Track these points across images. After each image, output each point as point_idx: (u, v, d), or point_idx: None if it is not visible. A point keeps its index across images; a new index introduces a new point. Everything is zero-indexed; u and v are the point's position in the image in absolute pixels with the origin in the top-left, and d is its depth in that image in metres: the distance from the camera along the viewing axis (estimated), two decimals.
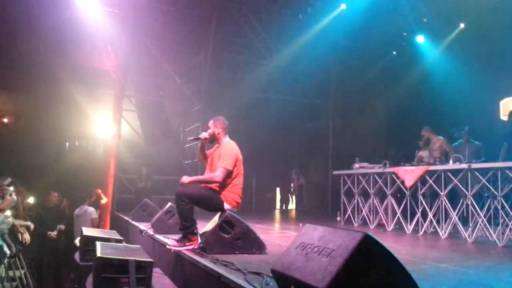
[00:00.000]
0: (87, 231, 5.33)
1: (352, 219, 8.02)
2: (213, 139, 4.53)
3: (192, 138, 4.77)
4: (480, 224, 5.79)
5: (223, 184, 4.30)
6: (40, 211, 8.61)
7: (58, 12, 10.60)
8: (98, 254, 3.66)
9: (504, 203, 5.45)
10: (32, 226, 6.97)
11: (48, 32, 11.36)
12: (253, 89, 13.53)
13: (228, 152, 4.33)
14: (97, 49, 11.87)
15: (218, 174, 4.23)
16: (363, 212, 7.74)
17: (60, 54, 11.74)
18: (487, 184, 5.65)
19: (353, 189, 7.96)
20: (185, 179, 4.29)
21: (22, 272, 6.72)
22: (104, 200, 10.22)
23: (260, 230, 5.62)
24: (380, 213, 7.39)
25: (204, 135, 4.52)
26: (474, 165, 5.86)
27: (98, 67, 12.35)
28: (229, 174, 4.28)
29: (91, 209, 8.84)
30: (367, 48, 13.22)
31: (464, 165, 5.95)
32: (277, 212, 13.22)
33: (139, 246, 4.85)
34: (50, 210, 8.78)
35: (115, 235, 5.50)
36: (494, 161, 5.80)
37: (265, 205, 13.89)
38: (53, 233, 8.33)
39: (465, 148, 7.26)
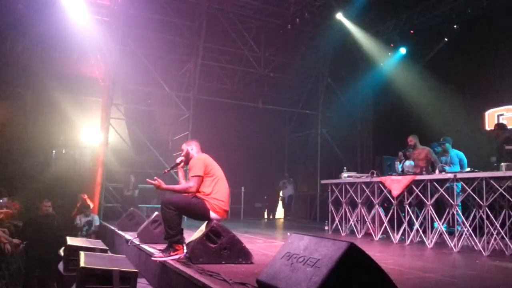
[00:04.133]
0: (71, 241, 5.24)
1: (340, 228, 8.02)
2: (188, 159, 4.58)
3: (171, 166, 4.72)
4: (466, 234, 5.84)
5: (205, 192, 4.31)
6: (27, 220, 8.46)
7: (47, 20, 10.56)
8: (82, 264, 3.60)
9: (489, 213, 5.50)
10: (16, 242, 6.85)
11: (36, 40, 11.29)
12: (243, 98, 13.59)
13: (193, 162, 4.45)
14: (86, 57, 11.84)
15: (191, 185, 4.31)
16: (351, 222, 7.75)
17: (48, 61, 11.67)
18: (472, 193, 5.71)
19: (341, 199, 7.98)
20: (160, 185, 4.32)
21: (4, 282, 6.59)
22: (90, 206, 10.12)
23: (247, 239, 5.60)
24: (368, 223, 7.42)
25: (179, 159, 4.63)
26: (459, 175, 5.93)
27: (86, 75, 12.31)
28: (201, 180, 4.32)
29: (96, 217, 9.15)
30: (356, 58, 13.40)
31: (450, 175, 6.01)
32: (265, 222, 13.18)
33: (123, 256, 4.79)
34: (41, 219, 8.62)
35: (100, 244, 5.43)
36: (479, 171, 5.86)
37: (253, 214, 13.84)
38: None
39: (445, 157, 7.39)
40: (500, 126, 7.16)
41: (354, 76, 13.71)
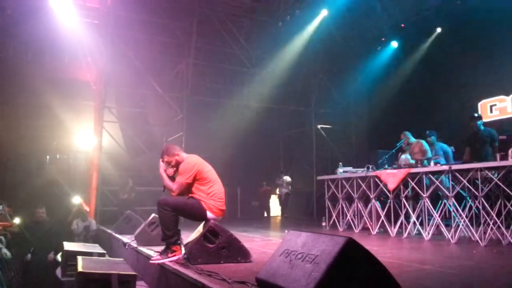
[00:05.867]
0: (68, 246, 5.21)
1: (337, 224, 8.04)
2: (178, 165, 4.48)
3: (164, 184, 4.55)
4: (462, 225, 5.87)
5: (202, 195, 4.28)
6: (24, 227, 8.40)
7: (37, 24, 10.47)
8: (80, 268, 3.58)
9: (485, 203, 5.53)
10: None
11: (27, 44, 11.19)
12: (235, 97, 13.57)
13: (184, 167, 4.36)
14: (77, 61, 11.74)
15: (174, 188, 4.31)
16: (348, 217, 7.77)
17: (39, 65, 11.55)
18: (467, 184, 5.74)
19: (338, 194, 8.00)
20: (160, 169, 4.42)
21: None
22: (87, 211, 10.07)
23: (245, 238, 5.60)
24: (365, 217, 7.43)
25: (170, 172, 4.50)
26: (454, 166, 5.95)
27: (78, 78, 12.18)
28: (185, 187, 4.29)
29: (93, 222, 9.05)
30: (347, 54, 13.43)
31: (445, 167, 6.03)
32: (262, 220, 13.17)
33: (122, 259, 4.76)
34: (36, 225, 8.57)
35: (97, 248, 5.41)
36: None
37: (250, 213, 13.82)
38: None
39: (431, 150, 7.46)
40: (477, 118, 7.12)
41: (346, 72, 13.73)
